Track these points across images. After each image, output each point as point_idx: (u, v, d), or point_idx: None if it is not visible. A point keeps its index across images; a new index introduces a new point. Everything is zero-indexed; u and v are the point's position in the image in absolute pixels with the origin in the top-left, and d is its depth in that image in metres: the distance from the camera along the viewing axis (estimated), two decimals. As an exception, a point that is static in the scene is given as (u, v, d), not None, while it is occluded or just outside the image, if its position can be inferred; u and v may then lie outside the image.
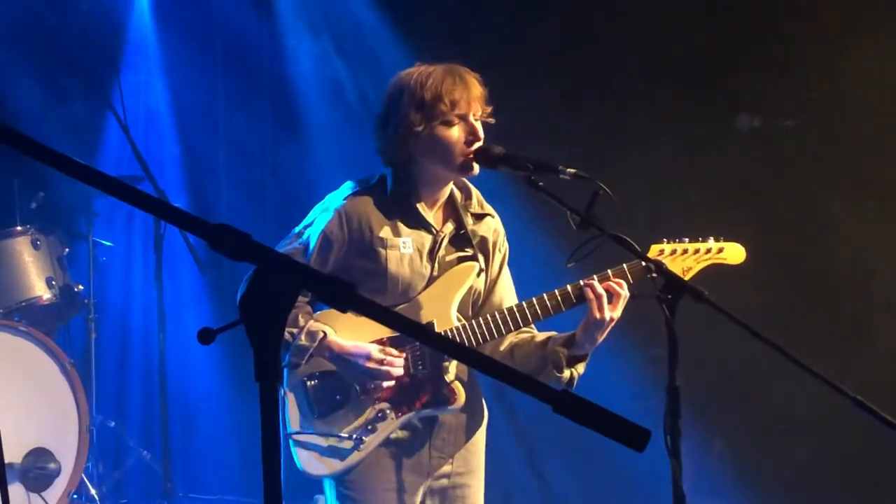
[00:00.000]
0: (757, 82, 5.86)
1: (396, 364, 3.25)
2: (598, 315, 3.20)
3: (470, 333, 3.28)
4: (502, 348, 3.41)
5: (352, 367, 3.25)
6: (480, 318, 3.31)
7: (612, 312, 3.21)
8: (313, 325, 3.25)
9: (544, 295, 3.28)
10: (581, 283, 3.24)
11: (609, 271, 3.26)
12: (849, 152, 5.67)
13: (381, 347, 3.26)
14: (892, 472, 5.54)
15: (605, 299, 3.20)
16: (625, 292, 3.21)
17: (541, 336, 3.37)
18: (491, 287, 3.46)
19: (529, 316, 3.28)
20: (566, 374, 3.29)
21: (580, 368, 3.32)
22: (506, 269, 3.50)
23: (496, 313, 3.30)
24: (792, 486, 5.65)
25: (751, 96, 5.91)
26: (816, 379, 2.73)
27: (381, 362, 3.24)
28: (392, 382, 3.26)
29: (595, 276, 3.24)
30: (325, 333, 3.24)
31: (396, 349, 3.28)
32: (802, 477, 5.66)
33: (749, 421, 5.84)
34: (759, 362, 5.01)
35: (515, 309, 3.30)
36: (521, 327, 3.32)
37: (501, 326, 3.29)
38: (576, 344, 3.28)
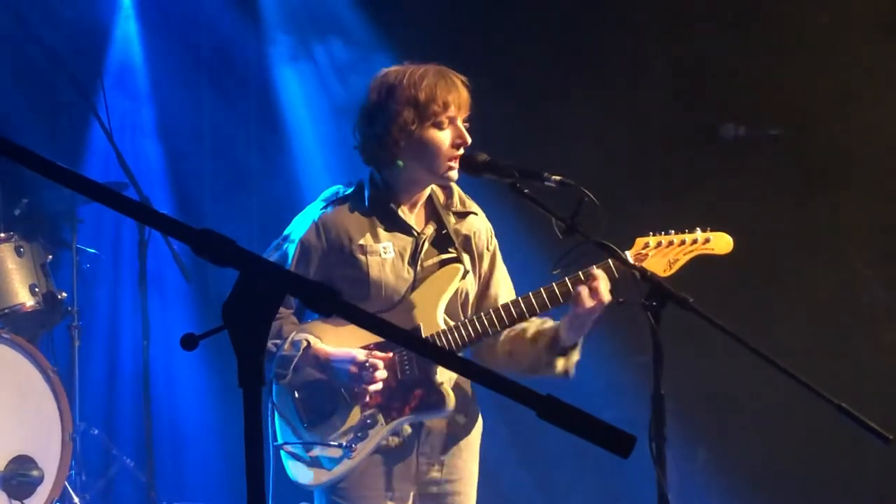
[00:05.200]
0: (742, 91, 5.87)
1: (382, 365, 3.22)
2: (583, 308, 3.15)
3: (457, 335, 3.24)
4: (500, 347, 3.37)
5: (338, 372, 3.23)
6: (467, 319, 3.28)
7: (595, 301, 3.14)
8: (297, 334, 3.23)
9: (530, 294, 3.25)
10: (567, 279, 3.19)
11: (594, 268, 3.19)
12: (833, 160, 5.69)
13: (366, 351, 3.24)
14: (877, 480, 5.55)
15: (585, 293, 3.14)
16: (604, 277, 3.15)
17: (531, 331, 3.33)
18: (485, 285, 3.43)
19: (515, 315, 3.24)
20: (559, 366, 3.27)
21: (574, 356, 3.29)
22: (499, 266, 3.46)
23: (483, 313, 3.27)
24: (776, 495, 5.65)
25: (736, 105, 5.91)
26: (801, 386, 2.73)
27: (366, 364, 3.20)
28: (380, 385, 3.22)
29: (581, 273, 3.18)
30: (308, 342, 3.22)
31: (383, 353, 3.26)
32: (787, 485, 5.66)
33: (733, 429, 5.84)
34: (744, 369, 5.02)
35: (501, 308, 3.27)
36: (508, 325, 3.27)
37: (487, 326, 3.25)
38: (560, 340, 3.25)
